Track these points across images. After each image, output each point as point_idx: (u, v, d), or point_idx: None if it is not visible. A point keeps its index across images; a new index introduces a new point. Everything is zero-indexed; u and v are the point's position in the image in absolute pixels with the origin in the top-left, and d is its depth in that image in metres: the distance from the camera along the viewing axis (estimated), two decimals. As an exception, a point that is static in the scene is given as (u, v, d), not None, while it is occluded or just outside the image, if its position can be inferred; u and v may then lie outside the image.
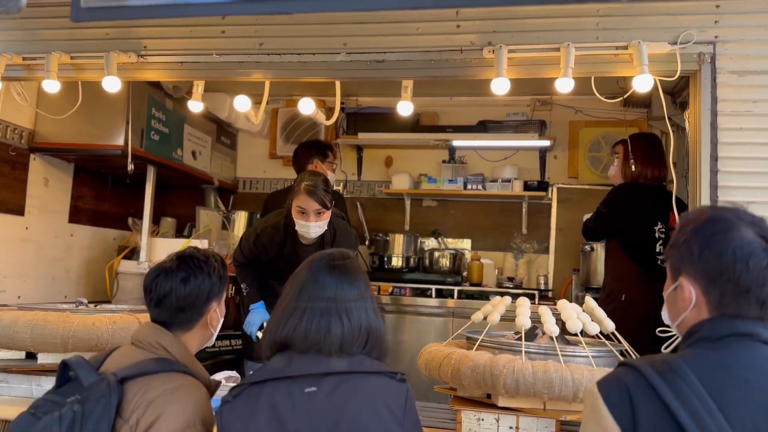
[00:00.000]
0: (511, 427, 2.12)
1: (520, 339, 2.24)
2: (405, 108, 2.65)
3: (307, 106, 2.66)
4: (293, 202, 2.83)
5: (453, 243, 4.44)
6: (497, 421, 2.13)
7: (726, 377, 1.11)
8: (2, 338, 2.43)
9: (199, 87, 2.87)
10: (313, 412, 1.35)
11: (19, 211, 3.32)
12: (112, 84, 2.63)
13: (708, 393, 1.08)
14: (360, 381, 1.41)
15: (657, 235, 3.02)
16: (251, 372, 1.86)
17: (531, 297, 3.79)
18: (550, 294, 4.07)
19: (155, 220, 4.39)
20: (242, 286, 3.17)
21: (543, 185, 4.19)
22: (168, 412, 1.42)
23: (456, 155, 4.41)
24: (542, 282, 4.13)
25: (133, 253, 3.87)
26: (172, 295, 1.59)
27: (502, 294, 3.90)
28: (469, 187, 4.23)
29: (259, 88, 3.07)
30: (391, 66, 2.53)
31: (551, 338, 2.27)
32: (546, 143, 4.10)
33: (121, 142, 3.42)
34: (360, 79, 2.68)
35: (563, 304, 2.28)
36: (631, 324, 2.97)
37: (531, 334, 2.37)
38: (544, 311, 2.26)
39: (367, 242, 4.33)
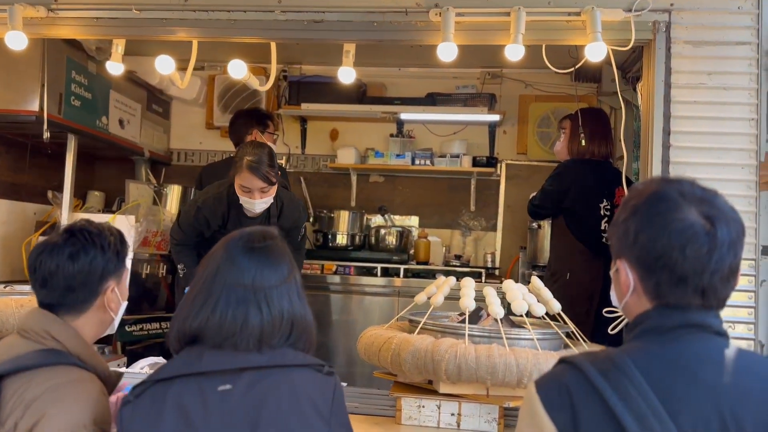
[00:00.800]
0: (453, 414, 2.02)
1: (464, 321, 2.13)
2: (346, 75, 2.46)
3: (237, 70, 2.42)
4: (236, 179, 2.65)
5: (400, 220, 4.30)
6: (438, 408, 2.03)
7: (675, 374, 1.00)
8: None
9: (118, 47, 2.59)
10: (227, 412, 1.18)
11: None
12: (17, 40, 2.34)
13: (656, 393, 0.97)
14: (281, 376, 1.24)
15: (602, 212, 2.97)
16: None
17: (477, 275, 3.74)
18: (496, 272, 4.00)
19: (81, 194, 4.09)
20: (179, 267, 2.96)
21: (492, 161, 4.09)
22: (51, 414, 1.22)
23: (404, 129, 4.25)
24: (489, 260, 4.05)
25: (53, 229, 3.56)
26: (59, 273, 1.38)
27: (448, 273, 3.81)
28: (417, 162, 4.08)
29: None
30: (330, 27, 2.33)
31: (496, 320, 2.17)
32: (495, 118, 3.98)
33: (35, 107, 3.10)
34: (296, 41, 2.46)
35: (509, 285, 2.18)
36: (575, 303, 2.93)
37: (475, 316, 2.26)
38: (489, 292, 2.15)
39: (311, 219, 4.14)
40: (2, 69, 3.02)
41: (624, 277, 1.12)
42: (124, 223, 3.39)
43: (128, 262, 1.55)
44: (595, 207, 2.96)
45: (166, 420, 1.18)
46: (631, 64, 3.49)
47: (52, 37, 2.71)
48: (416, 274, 3.83)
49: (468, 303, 2.11)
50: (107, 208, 4.13)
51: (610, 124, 3.16)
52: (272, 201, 2.72)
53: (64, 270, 1.38)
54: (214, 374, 1.21)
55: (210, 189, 2.85)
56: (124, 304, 1.52)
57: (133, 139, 4.00)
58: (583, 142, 2.90)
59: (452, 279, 2.29)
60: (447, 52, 2.18)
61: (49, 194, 3.66)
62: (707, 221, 1.05)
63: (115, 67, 2.64)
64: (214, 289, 1.27)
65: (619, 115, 4.07)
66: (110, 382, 1.45)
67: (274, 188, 2.69)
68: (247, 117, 3.39)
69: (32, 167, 3.80)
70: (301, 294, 1.34)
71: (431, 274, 3.80)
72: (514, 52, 2.18)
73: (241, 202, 2.69)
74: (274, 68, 2.50)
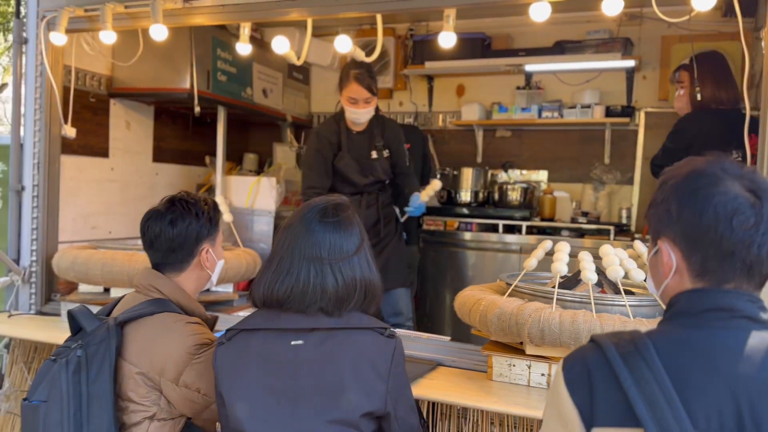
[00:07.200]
0: (543, 374, 2.07)
1: (561, 285, 2.14)
2: (447, 39, 2.48)
3: (343, 44, 2.57)
4: (343, 93, 2.98)
5: (528, 175, 4.23)
6: (529, 367, 2.09)
7: (695, 362, 0.99)
8: (79, 274, 2.72)
9: (245, 29, 2.86)
10: (299, 364, 1.38)
11: (104, 153, 3.59)
12: (159, 32, 2.70)
13: (672, 380, 0.97)
14: (346, 337, 1.41)
15: None
16: None
17: (606, 233, 3.60)
18: (631, 228, 3.81)
19: (238, 157, 4.58)
20: None
21: (627, 111, 3.83)
22: (172, 347, 1.53)
23: (532, 80, 4.12)
24: (624, 215, 3.86)
25: (210, 191, 4.08)
26: (162, 236, 1.67)
27: (573, 230, 3.72)
28: (544, 115, 3.97)
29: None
30: (427, -6, 2.37)
31: (602, 286, 2.15)
32: (630, 63, 3.71)
33: (187, 85, 3.53)
34: (396, 11, 2.54)
35: (606, 250, 2.13)
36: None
37: (574, 280, 2.25)
38: (584, 257, 2.13)
39: (438, 176, 4.24)
40: (158, 53, 3.45)
41: (666, 257, 1.10)
42: (266, 185, 3.79)
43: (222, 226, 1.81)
44: None
45: (249, 364, 1.41)
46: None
47: (188, 25, 3.06)
48: (541, 231, 3.79)
49: (560, 268, 2.12)
50: (260, 169, 4.59)
51: (730, 66, 2.81)
52: (373, 114, 3.04)
53: (166, 234, 1.67)
54: (290, 331, 1.42)
55: (319, 124, 3.16)
56: (221, 262, 1.79)
57: (276, 106, 4.38)
58: (704, 91, 2.64)
59: (548, 242, 2.29)
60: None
61: (207, 159, 4.18)
62: (751, 194, 1.03)
63: (243, 48, 2.93)
64: (295, 258, 1.44)
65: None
66: (208, 324, 1.74)
67: (375, 100, 2.99)
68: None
69: (194, 135, 4.34)
70: (371, 261, 1.48)
71: (556, 231, 3.74)
72: None
73: (348, 115, 3.02)
74: (380, 39, 2.60)
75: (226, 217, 3.26)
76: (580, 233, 3.69)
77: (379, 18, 2.69)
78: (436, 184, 3.25)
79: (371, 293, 1.46)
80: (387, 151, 3.18)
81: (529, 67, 3.94)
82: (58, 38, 2.85)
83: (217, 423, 1.63)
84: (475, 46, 3.94)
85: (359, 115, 3.00)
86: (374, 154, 3.16)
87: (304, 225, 1.46)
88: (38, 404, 1.52)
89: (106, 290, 2.80)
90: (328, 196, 1.54)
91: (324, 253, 1.42)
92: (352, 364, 1.38)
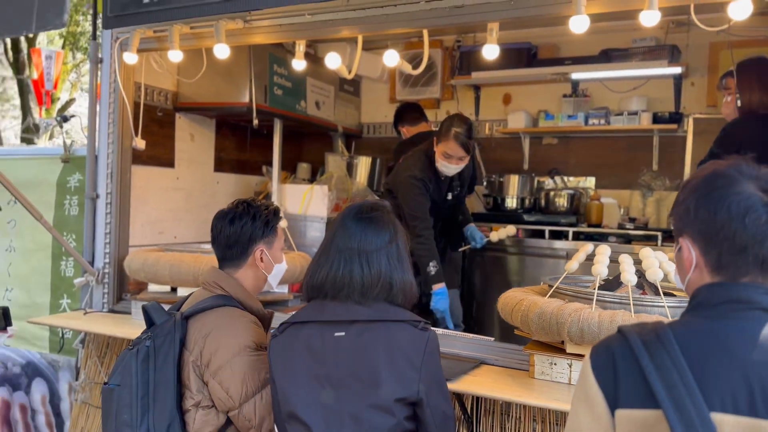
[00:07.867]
0: (584, 373, 2.13)
1: (602, 288, 2.21)
2: (490, 52, 2.60)
3: (391, 59, 2.72)
4: (440, 146, 3.01)
5: (575, 182, 4.27)
6: (570, 366, 2.16)
7: (711, 349, 1.08)
8: (149, 274, 2.95)
9: (300, 46, 3.05)
10: (340, 354, 1.52)
11: (170, 163, 3.85)
12: (222, 50, 2.91)
13: (690, 365, 1.06)
14: (382, 329, 1.54)
15: None
16: None
17: (653, 239, 3.61)
18: (680, 235, 3.79)
19: (293, 166, 4.79)
20: (431, 264, 3.02)
21: (675, 117, 3.83)
22: (224, 341, 1.69)
23: (579, 88, 4.17)
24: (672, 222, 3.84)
25: (266, 199, 4.29)
26: (222, 233, 1.85)
27: (620, 236, 3.74)
28: (590, 122, 4.00)
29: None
30: (470, 11, 2.50)
31: (642, 289, 2.21)
32: (676, 70, 3.71)
33: (246, 99, 3.76)
34: (441, 27, 2.67)
35: (646, 252, 2.19)
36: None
37: (615, 283, 2.31)
38: (624, 259, 2.19)
39: (484, 183, 4.32)
40: (220, 70, 3.66)
41: (687, 253, 1.19)
42: (319, 192, 3.98)
43: (280, 233, 1.96)
44: None
45: (297, 353, 1.56)
46: None
47: (248, 44, 3.27)
48: (588, 237, 3.82)
49: (601, 270, 2.18)
50: (312, 177, 4.78)
51: None
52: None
53: (224, 231, 1.84)
54: (333, 323, 1.56)
55: (410, 163, 3.16)
56: (279, 266, 1.94)
57: (328, 117, 4.57)
58: (751, 95, 2.65)
59: (589, 246, 2.36)
60: (579, 24, 2.20)
61: (263, 169, 4.40)
62: (764, 193, 1.11)
63: (298, 64, 3.12)
64: (331, 250, 1.60)
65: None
66: (265, 320, 1.89)
67: (468, 157, 3.04)
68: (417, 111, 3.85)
69: (252, 146, 4.57)
70: (402, 258, 1.60)
71: (603, 237, 3.76)
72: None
73: (439, 165, 3.06)
74: (426, 52, 2.74)
75: (282, 222, 3.44)
76: (628, 239, 3.71)
77: (425, 33, 2.83)
78: (510, 230, 3.37)
79: (397, 287, 1.57)
80: (459, 188, 3.28)
81: (576, 76, 3.99)
82: (130, 57, 3.11)
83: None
84: (521, 55, 4.03)
85: (450, 170, 3.07)
86: (449, 196, 3.26)
87: (342, 222, 1.62)
88: (113, 388, 1.72)
89: (173, 290, 3.02)
90: (367, 200, 1.69)
91: (354, 244, 1.56)
92: (387, 354, 1.50)
